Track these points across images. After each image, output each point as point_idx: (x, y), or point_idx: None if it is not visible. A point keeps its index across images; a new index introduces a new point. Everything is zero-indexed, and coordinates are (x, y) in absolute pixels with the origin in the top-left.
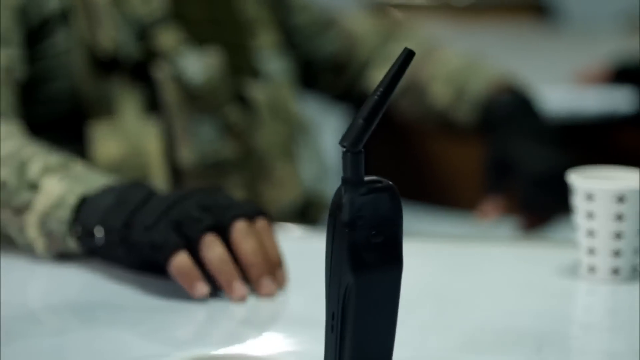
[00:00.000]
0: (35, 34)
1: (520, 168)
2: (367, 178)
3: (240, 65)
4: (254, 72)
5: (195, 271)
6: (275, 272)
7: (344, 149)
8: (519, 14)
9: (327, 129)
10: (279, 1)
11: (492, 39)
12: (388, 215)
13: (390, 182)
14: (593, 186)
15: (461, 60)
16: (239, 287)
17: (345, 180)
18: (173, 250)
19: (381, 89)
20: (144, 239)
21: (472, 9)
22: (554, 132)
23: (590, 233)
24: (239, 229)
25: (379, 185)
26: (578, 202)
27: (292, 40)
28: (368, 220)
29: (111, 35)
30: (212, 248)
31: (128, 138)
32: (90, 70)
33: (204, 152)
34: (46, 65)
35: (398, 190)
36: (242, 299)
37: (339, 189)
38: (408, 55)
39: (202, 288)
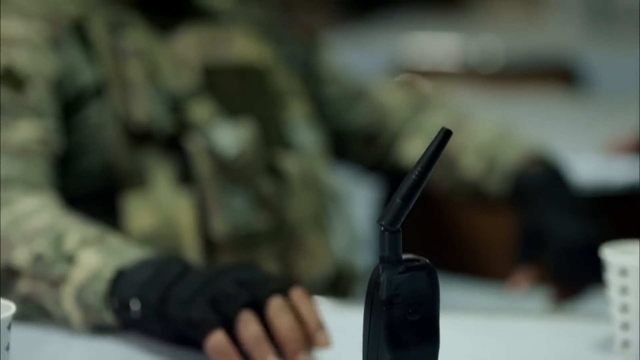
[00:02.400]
0: (69, 107)
1: (551, 239)
2: (404, 256)
3: (272, 137)
4: (286, 144)
5: (231, 350)
6: (316, 339)
7: (382, 228)
8: (547, 81)
9: (358, 198)
10: (310, 73)
11: (520, 107)
12: (425, 293)
13: (427, 260)
14: (627, 262)
15: (492, 131)
16: None
17: (382, 259)
18: (210, 329)
19: (419, 169)
20: (180, 315)
21: (500, 76)
22: (585, 203)
23: (624, 308)
24: (275, 305)
25: (417, 263)
26: (612, 277)
27: (323, 111)
28: (405, 298)
29: (145, 109)
30: (248, 326)
31: (161, 210)
32: (124, 142)
33: (236, 224)
34: (80, 138)
35: (433, 266)
36: None
37: (376, 268)
38: (446, 135)
39: None
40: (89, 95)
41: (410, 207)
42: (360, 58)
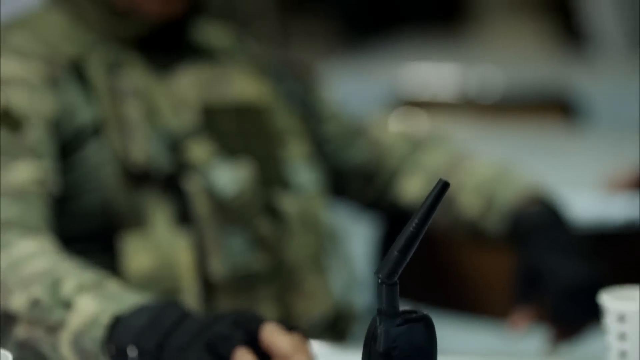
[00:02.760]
0: (68, 146)
1: (549, 279)
2: (402, 309)
3: (271, 177)
4: (285, 184)
5: None
6: None
7: (379, 281)
8: (545, 113)
9: (356, 235)
10: (309, 111)
11: (517, 139)
12: (423, 345)
13: (425, 313)
14: (625, 308)
15: (490, 170)
16: None
17: (380, 312)
18: None
19: (416, 221)
20: None
21: (498, 107)
22: (584, 242)
23: (623, 354)
24: (269, 328)
25: (414, 315)
26: (610, 323)
27: (322, 149)
28: (403, 351)
29: (143, 149)
30: (243, 358)
31: (159, 250)
32: (122, 182)
33: (234, 265)
34: (78, 178)
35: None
36: None
37: (374, 319)
38: (443, 187)
39: None
40: (87, 134)
41: (408, 259)
42: (359, 88)
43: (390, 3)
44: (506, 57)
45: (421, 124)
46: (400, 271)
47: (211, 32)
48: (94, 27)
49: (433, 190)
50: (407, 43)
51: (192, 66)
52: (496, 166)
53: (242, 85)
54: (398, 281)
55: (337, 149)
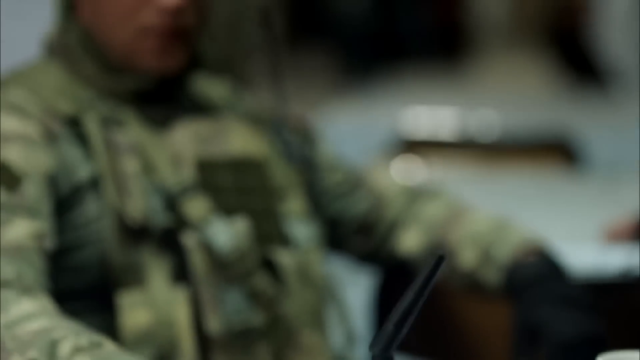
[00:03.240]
0: (65, 202)
1: (546, 333)
2: None
3: (268, 232)
4: (282, 239)
5: None
6: None
7: (374, 356)
8: (545, 156)
9: (354, 286)
10: (307, 164)
11: (516, 183)
12: None
13: None
14: None
15: (488, 223)
16: None
17: None
18: None
19: (412, 295)
20: None
21: (497, 149)
22: (582, 294)
23: None
24: None
25: None
26: None
27: (320, 200)
28: None
29: (140, 205)
30: None
31: (156, 307)
32: (120, 238)
33: (231, 321)
34: (76, 233)
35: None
36: None
37: None
38: (439, 261)
39: None
40: (85, 190)
41: (404, 333)
42: (358, 128)
43: (390, 39)
44: (506, 98)
45: (421, 165)
46: (395, 345)
47: (207, 86)
48: (91, 82)
49: (428, 265)
50: (407, 82)
51: (188, 121)
52: (494, 219)
53: (238, 139)
54: (392, 355)
55: (336, 200)
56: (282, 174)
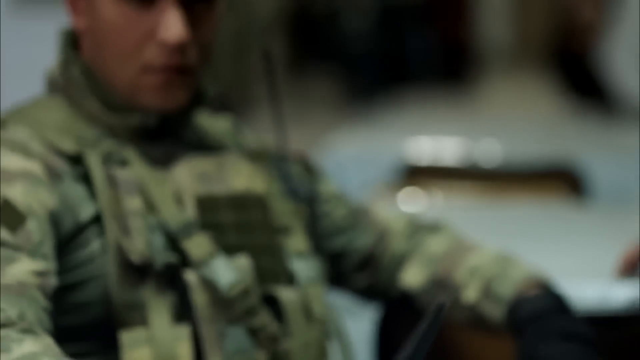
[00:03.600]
0: (69, 240)
1: None
2: None
3: (271, 270)
4: (285, 276)
5: None
6: None
7: None
8: (549, 182)
9: (357, 318)
10: (309, 199)
11: (520, 209)
12: None
13: None
14: None
15: (491, 258)
16: None
17: None
18: None
19: (414, 344)
20: None
21: (501, 175)
22: (585, 329)
23: None
24: None
25: None
26: None
27: (323, 236)
28: None
29: (142, 243)
30: None
31: (159, 345)
32: (122, 275)
33: (234, 358)
34: (78, 271)
35: None
36: None
37: None
38: (439, 310)
39: None
40: (88, 228)
41: None
42: (363, 156)
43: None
44: (510, 123)
45: (425, 193)
46: None
47: (208, 121)
48: (94, 119)
49: (430, 314)
50: (411, 107)
51: (190, 157)
52: (497, 254)
53: (240, 176)
54: None
55: (339, 235)
56: (283, 210)
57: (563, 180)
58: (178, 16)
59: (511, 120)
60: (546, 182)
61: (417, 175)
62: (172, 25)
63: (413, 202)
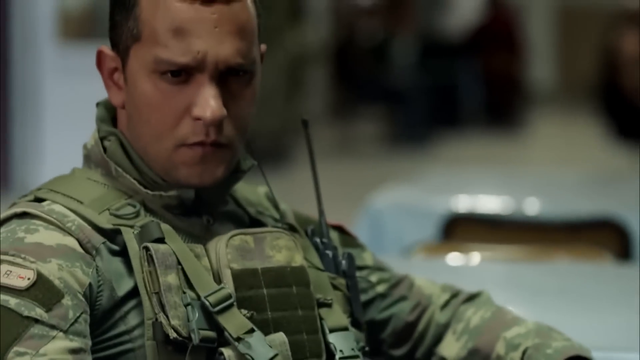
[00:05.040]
0: (105, 317)
1: None
2: None
3: (309, 345)
4: (322, 350)
5: None
6: None
7: None
8: (594, 235)
9: None
10: (348, 272)
11: (563, 266)
12: None
13: None
14: None
15: (531, 330)
16: None
17: None
18: None
19: None
20: None
21: (546, 226)
22: None
23: None
24: None
25: None
26: None
27: (363, 304)
28: None
29: (179, 319)
30: None
31: None
32: (159, 351)
33: None
34: (115, 347)
35: None
36: None
37: None
38: None
39: None
40: (125, 304)
41: None
42: (407, 211)
43: (441, 101)
44: (555, 173)
45: (469, 246)
46: None
47: (246, 192)
48: (131, 194)
49: None
50: (455, 159)
51: (226, 230)
52: (537, 325)
53: (277, 249)
54: None
55: (378, 307)
56: (322, 283)
57: (608, 234)
58: (213, 93)
59: (557, 169)
60: (591, 235)
61: (460, 229)
62: (208, 102)
63: (455, 259)
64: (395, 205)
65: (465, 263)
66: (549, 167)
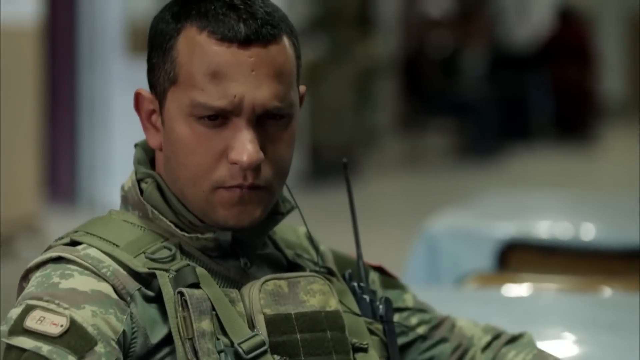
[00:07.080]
0: None
1: None
2: None
3: None
4: None
5: None
6: None
7: None
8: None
9: None
10: (389, 311)
11: (617, 296)
12: None
13: None
14: None
15: None
16: None
17: None
18: None
19: None
20: None
21: (602, 253)
22: None
23: None
24: None
25: None
26: None
27: (403, 345)
28: None
29: None
30: None
31: None
32: None
33: None
34: None
35: None
36: None
37: None
38: None
39: None
40: (160, 349)
41: None
42: (461, 237)
43: (511, 113)
44: (618, 193)
45: (525, 271)
46: None
47: (282, 232)
48: (167, 236)
49: None
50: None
51: (262, 274)
52: None
53: (312, 294)
54: None
55: (418, 346)
56: (358, 328)
57: None
58: (250, 137)
59: (623, 188)
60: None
61: (515, 256)
62: (245, 147)
63: (508, 290)
64: (451, 230)
65: (518, 294)
66: (618, 183)
